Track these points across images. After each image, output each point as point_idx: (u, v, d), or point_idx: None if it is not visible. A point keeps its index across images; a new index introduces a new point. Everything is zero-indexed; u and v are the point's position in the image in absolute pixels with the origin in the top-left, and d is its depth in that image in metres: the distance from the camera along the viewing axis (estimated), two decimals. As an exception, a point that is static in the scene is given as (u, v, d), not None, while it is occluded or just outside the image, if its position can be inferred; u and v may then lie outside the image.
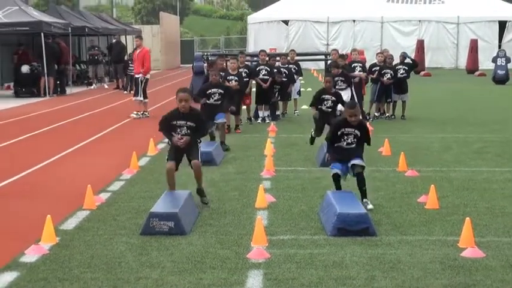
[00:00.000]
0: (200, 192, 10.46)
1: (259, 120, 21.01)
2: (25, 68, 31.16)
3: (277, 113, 21.93)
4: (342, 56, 21.32)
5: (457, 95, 31.08)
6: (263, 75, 20.91)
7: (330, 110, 14.47)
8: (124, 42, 39.61)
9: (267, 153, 14.62)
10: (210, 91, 15.75)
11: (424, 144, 16.38)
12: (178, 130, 10.18)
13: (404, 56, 22.96)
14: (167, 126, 10.31)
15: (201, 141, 10.67)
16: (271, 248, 8.28)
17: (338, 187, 10.27)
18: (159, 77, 46.43)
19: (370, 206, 9.89)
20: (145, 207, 9.98)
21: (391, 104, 21.46)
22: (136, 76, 22.78)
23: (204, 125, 10.63)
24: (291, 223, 9.45)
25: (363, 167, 10.07)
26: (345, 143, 10.16)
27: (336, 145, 10.26)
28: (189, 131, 10.16)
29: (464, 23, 53.31)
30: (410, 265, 7.63)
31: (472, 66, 47.61)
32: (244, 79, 19.79)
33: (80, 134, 18.51)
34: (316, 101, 14.56)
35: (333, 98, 14.51)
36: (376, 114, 21.44)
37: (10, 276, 7.36)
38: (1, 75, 34.48)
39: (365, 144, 10.38)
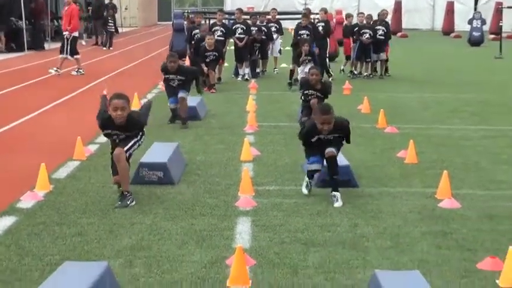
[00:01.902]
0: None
1: (239, 78, 21.28)
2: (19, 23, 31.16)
3: (257, 70, 22.19)
4: (305, 15, 21.62)
5: (434, 56, 31.49)
6: (239, 33, 21.20)
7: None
8: (103, -1, 39.45)
9: (249, 109, 14.94)
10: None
11: (402, 103, 16.77)
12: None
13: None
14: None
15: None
16: (257, 197, 8.65)
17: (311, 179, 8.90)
18: (137, 33, 46.33)
19: (337, 204, 8.27)
20: (135, 158, 10.27)
21: (370, 63, 21.87)
22: (63, 33, 22.30)
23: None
24: (276, 175, 9.82)
25: (337, 151, 8.54)
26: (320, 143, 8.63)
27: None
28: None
29: (441, -16, 53.60)
30: (390, 214, 8.03)
31: (448, 28, 48.06)
32: (220, 37, 20.18)
33: (62, 89, 18.69)
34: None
35: (318, 93, 12.54)
36: (354, 72, 21.85)
37: (9, 220, 7.67)
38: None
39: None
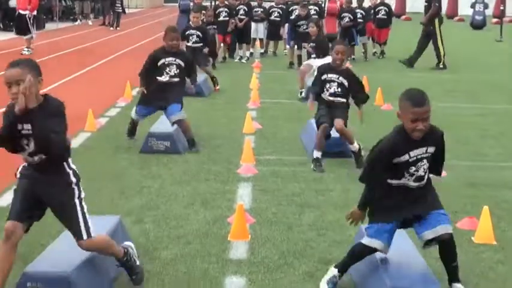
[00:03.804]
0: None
1: (236, 59, 21.83)
2: (12, 2, 31.58)
3: (262, 50, 22.79)
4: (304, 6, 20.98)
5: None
6: (240, 14, 21.82)
7: (336, 98, 9.49)
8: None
9: (253, 86, 15.56)
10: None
11: (401, 83, 17.32)
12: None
13: None
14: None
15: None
16: (258, 165, 9.29)
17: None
18: (143, 14, 46.85)
19: None
20: (143, 130, 10.92)
21: (354, 47, 22.17)
22: (23, 13, 22.21)
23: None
24: (276, 146, 10.46)
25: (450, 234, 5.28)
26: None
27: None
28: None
29: (446, -32, 53.93)
30: (381, 181, 8.65)
31: (452, 12, 48.49)
32: (225, 18, 20.73)
33: (72, 66, 19.32)
34: (315, 86, 9.79)
35: (341, 78, 9.42)
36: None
37: (28, 182, 8.30)
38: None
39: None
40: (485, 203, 7.61)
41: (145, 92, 10.15)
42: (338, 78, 9.40)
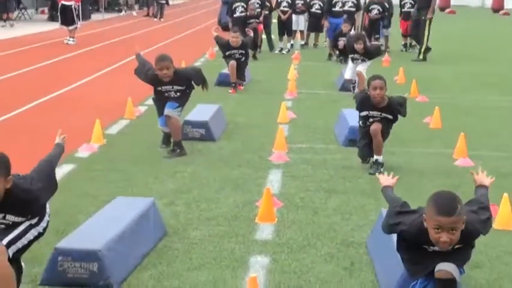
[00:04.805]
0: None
1: (276, 51, 22.04)
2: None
3: (302, 43, 23.00)
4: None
5: (477, 33, 31.91)
6: (283, 6, 22.03)
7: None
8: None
9: (290, 77, 15.81)
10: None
11: (436, 75, 17.51)
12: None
13: None
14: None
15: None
16: (290, 153, 9.55)
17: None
18: (187, 6, 47.24)
19: None
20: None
21: (379, 39, 21.30)
22: (67, 4, 22.56)
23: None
24: (309, 135, 10.72)
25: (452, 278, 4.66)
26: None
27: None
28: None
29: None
30: (408, 170, 8.87)
31: (498, 5, 48.09)
32: (257, 10, 20.71)
33: (114, 56, 19.75)
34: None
35: (384, 114, 8.85)
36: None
37: (69, 167, 8.67)
38: (36, 0, 35.64)
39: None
40: (511, 191, 7.78)
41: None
42: (381, 115, 8.76)
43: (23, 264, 5.16)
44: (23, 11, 32.59)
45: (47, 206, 5.13)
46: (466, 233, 4.53)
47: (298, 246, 6.31)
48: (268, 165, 8.99)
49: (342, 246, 6.32)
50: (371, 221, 6.87)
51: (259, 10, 21.01)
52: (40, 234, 5.04)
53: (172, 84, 9.39)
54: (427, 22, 20.36)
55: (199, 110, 11.02)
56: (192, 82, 9.57)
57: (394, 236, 5.49)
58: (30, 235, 4.94)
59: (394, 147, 9.90)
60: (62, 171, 8.43)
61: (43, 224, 5.04)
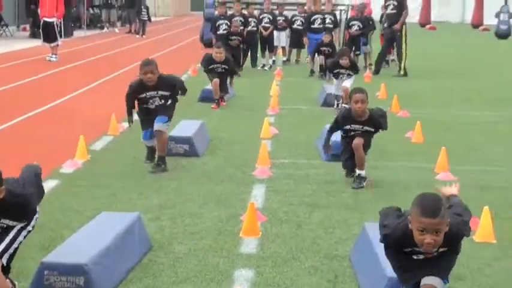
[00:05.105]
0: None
1: (259, 67, 22.17)
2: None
3: (285, 59, 23.18)
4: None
5: (456, 48, 32.23)
6: (265, 22, 22.20)
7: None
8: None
9: (272, 93, 15.92)
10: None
11: (417, 90, 17.70)
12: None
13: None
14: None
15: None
16: (273, 168, 9.62)
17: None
18: (169, 22, 47.36)
19: None
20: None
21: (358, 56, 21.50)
22: (49, 20, 22.36)
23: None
24: (291, 150, 10.81)
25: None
26: None
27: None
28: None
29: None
30: (391, 183, 8.98)
31: (477, 21, 48.53)
32: (240, 28, 20.86)
33: (97, 73, 19.80)
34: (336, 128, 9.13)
35: (366, 127, 8.93)
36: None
37: (53, 183, 8.69)
38: (17, 18, 35.61)
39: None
40: (490, 204, 7.87)
41: (130, 126, 9.95)
42: (362, 128, 8.81)
43: (16, 283, 5.25)
44: (4, 28, 32.55)
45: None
46: (450, 236, 4.58)
47: (282, 260, 6.38)
48: (252, 180, 9.06)
49: (326, 260, 6.39)
50: (354, 234, 6.94)
51: (241, 28, 21.16)
52: (29, 233, 5.17)
53: (156, 90, 9.38)
54: (402, 36, 20.53)
55: (183, 125, 11.09)
56: (177, 89, 9.59)
57: (378, 249, 5.58)
58: (21, 237, 5.09)
59: (377, 161, 10.00)
60: (46, 186, 8.36)
61: (32, 223, 5.17)
